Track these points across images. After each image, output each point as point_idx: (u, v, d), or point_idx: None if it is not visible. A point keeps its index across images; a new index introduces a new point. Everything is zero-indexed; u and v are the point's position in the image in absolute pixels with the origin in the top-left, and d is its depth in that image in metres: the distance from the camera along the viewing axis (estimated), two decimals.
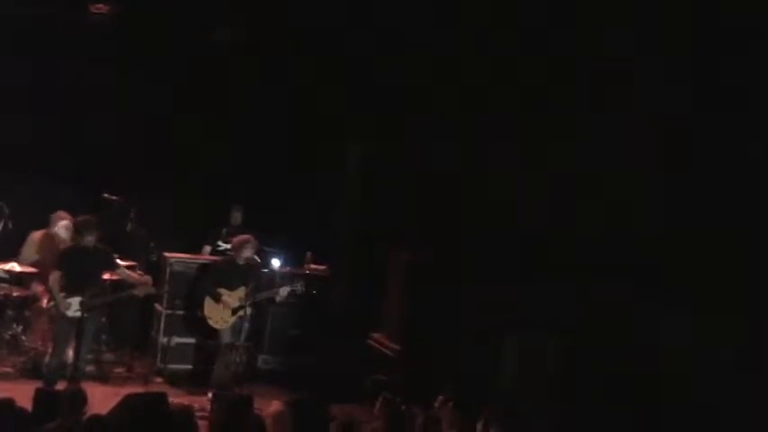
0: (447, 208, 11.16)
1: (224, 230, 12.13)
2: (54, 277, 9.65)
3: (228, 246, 11.93)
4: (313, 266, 12.16)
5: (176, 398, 9.37)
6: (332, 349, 11.83)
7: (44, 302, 10.54)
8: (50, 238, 11.10)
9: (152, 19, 12.08)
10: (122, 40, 12.19)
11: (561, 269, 9.43)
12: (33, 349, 10.59)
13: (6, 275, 10.78)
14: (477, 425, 7.28)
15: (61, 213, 11.16)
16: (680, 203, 8.66)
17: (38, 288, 10.80)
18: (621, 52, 9.30)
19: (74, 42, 12.02)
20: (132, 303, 11.02)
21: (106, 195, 11.44)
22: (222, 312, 10.70)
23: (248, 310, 10.57)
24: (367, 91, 12.43)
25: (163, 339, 11.29)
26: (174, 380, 11.07)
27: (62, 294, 9.58)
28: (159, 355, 11.31)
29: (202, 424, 7.27)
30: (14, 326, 10.74)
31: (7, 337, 10.70)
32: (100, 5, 11.73)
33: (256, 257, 11.05)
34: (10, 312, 10.70)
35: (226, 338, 10.69)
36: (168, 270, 11.40)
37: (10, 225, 11.02)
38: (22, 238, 11.22)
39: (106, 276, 10.26)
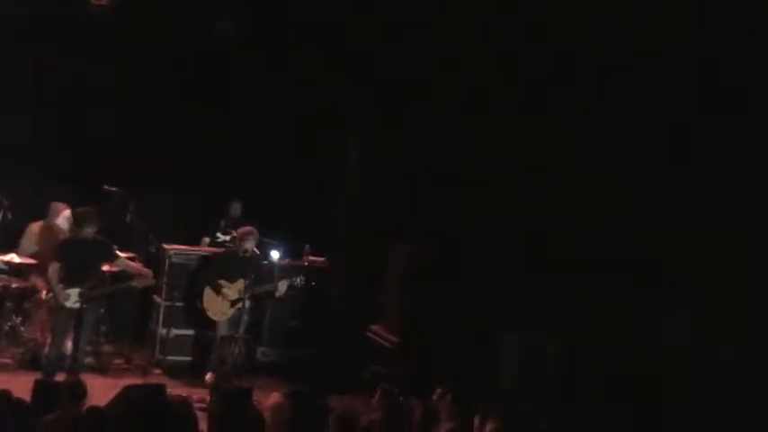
0: (447, 202, 11.16)
1: (223, 222, 12.14)
2: (53, 268, 9.66)
3: (227, 238, 11.96)
4: (312, 258, 12.16)
5: (175, 389, 9.44)
6: (331, 341, 11.84)
7: (43, 294, 10.55)
8: (50, 230, 11.11)
9: (152, 12, 12.08)
10: (122, 33, 12.20)
11: (561, 265, 9.43)
12: (32, 340, 10.60)
13: (5, 267, 10.79)
14: (474, 419, 7.28)
15: (59, 204, 11.17)
16: (680, 201, 8.66)
17: (37, 280, 10.81)
18: (623, 49, 9.31)
19: (74, 35, 12.02)
20: (131, 295, 11.04)
21: (106, 187, 11.44)
22: (221, 304, 10.72)
23: (247, 303, 10.58)
24: (368, 84, 12.42)
25: (162, 331, 11.29)
26: (173, 371, 11.07)
27: (61, 286, 9.59)
28: (158, 347, 11.30)
29: (201, 416, 7.27)
30: (13, 317, 10.75)
31: (6, 328, 10.71)
32: None
33: (256, 249, 11.06)
34: (9, 304, 10.70)
35: (222, 331, 10.73)
36: (167, 262, 11.40)
37: (9, 216, 11.03)
38: (21, 230, 11.23)
39: (105, 268, 10.26)
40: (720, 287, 8.04)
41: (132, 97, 12.49)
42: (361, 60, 12.35)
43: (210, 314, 10.76)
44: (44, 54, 11.98)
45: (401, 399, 7.68)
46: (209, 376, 10.62)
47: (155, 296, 11.51)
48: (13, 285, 10.72)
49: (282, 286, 10.74)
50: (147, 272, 10.16)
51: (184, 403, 7.52)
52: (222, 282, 10.71)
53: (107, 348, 11.12)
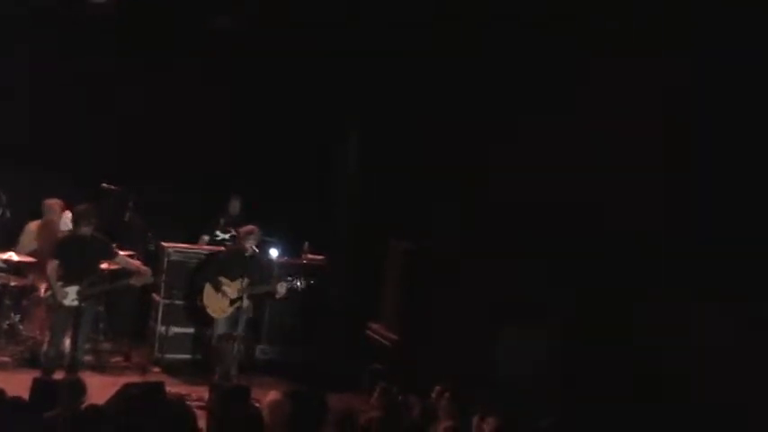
0: (447, 200, 11.16)
1: (222, 220, 12.14)
2: (52, 266, 9.66)
3: (226, 236, 11.96)
4: (311, 256, 12.17)
5: (174, 387, 9.47)
6: (330, 339, 11.85)
7: (42, 292, 10.55)
8: (48, 228, 11.09)
9: (152, 8, 12.08)
10: (122, 29, 12.19)
11: (561, 262, 9.45)
12: (31, 339, 10.61)
13: (4, 265, 10.79)
14: (473, 418, 7.29)
15: (54, 201, 11.15)
16: (680, 200, 8.67)
17: (35, 278, 10.80)
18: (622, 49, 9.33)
19: (73, 32, 12.01)
20: (130, 293, 11.04)
21: (104, 185, 11.45)
22: (221, 302, 10.71)
23: (245, 302, 10.58)
24: (368, 81, 12.41)
25: (161, 329, 11.31)
26: (172, 369, 11.08)
27: (59, 283, 9.59)
28: (157, 345, 11.32)
29: (200, 414, 7.28)
30: (12, 315, 10.75)
31: (5, 326, 10.71)
32: None
33: (256, 249, 11.06)
34: (7, 302, 10.71)
35: (220, 329, 10.71)
36: (166, 260, 11.42)
37: (8, 214, 11.03)
38: (19, 228, 11.23)
39: (104, 266, 10.26)
40: (721, 284, 8.04)
41: (130, 93, 12.47)
42: (360, 59, 12.35)
43: (210, 311, 10.75)
44: (42, 48, 11.97)
45: (400, 397, 7.69)
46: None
47: (153, 294, 11.52)
48: (12, 283, 10.72)
49: (282, 288, 10.70)
50: (146, 270, 10.15)
51: (183, 401, 7.55)
52: (223, 279, 10.71)
53: (106, 346, 11.14)
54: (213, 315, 10.75)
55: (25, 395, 6.88)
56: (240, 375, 10.31)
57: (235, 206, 12.16)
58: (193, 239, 12.01)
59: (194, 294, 11.07)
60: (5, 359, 10.51)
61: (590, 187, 9.50)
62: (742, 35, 8.21)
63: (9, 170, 11.40)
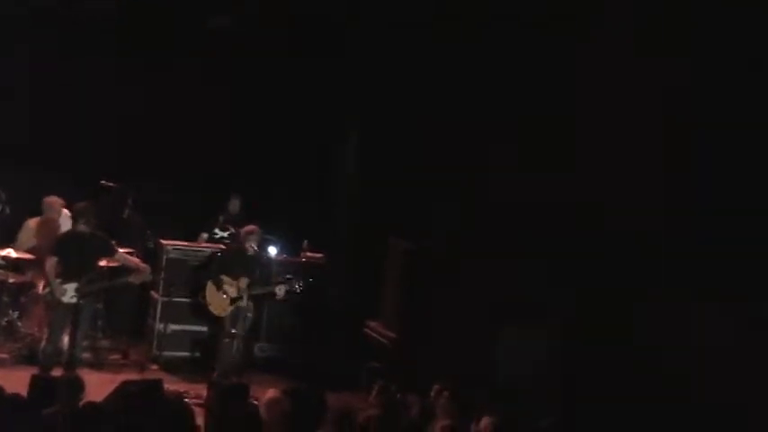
0: (446, 199, 11.16)
1: (221, 218, 12.13)
2: (50, 263, 9.64)
3: (225, 234, 11.95)
4: (309, 255, 12.16)
5: (172, 385, 9.44)
6: (328, 337, 11.85)
7: (40, 289, 10.54)
8: (47, 225, 11.08)
9: (152, 8, 12.08)
10: (121, 29, 12.19)
11: (561, 262, 9.45)
12: (29, 335, 10.59)
13: (3, 262, 10.76)
14: (471, 416, 7.27)
15: (53, 198, 11.13)
16: (681, 199, 8.67)
17: (34, 275, 10.79)
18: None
19: (73, 32, 12.01)
20: (129, 290, 11.02)
21: (103, 182, 11.44)
22: (222, 300, 10.74)
23: (245, 301, 10.59)
24: (368, 81, 12.40)
25: (159, 326, 11.29)
26: (170, 367, 11.06)
27: (58, 280, 9.57)
28: (155, 343, 11.31)
29: (198, 411, 7.27)
30: (11, 312, 10.74)
31: (3, 323, 10.70)
32: None
33: (256, 248, 11.06)
34: (6, 299, 10.70)
35: (222, 327, 10.72)
36: (165, 257, 11.41)
37: (7, 211, 11.02)
38: (18, 225, 11.21)
39: (103, 263, 10.24)
40: (721, 283, 8.04)
41: (131, 95, 12.46)
42: (360, 59, 12.34)
43: (211, 309, 10.78)
44: (42, 46, 11.97)
45: (398, 395, 7.68)
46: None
47: (152, 292, 11.51)
48: (11, 280, 10.71)
49: (281, 291, 10.73)
50: (145, 267, 10.13)
51: (181, 399, 7.53)
52: (224, 277, 10.74)
53: (104, 344, 11.14)
54: (214, 312, 10.76)
55: (24, 392, 6.86)
56: (241, 375, 10.28)
57: (234, 205, 12.16)
58: (192, 237, 12.00)
59: (197, 292, 11.10)
60: (4, 356, 10.49)
61: (590, 187, 9.49)
62: (742, 35, 8.21)
63: (9, 170, 11.39)
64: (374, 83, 12.27)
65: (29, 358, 10.29)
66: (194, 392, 9.55)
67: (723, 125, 8.33)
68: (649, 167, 9.02)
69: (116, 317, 11.46)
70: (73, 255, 9.66)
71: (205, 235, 12.09)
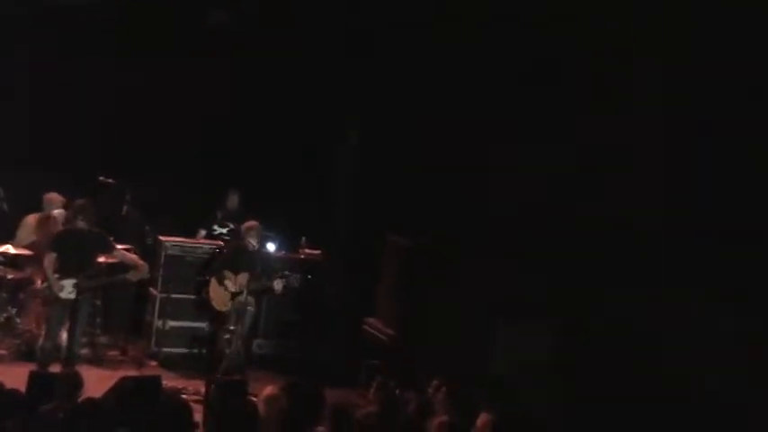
0: (445, 196, 11.15)
1: (219, 214, 12.13)
2: (49, 259, 9.62)
3: (224, 230, 11.95)
4: (308, 251, 12.17)
5: (170, 381, 9.48)
6: (326, 334, 11.85)
7: (38, 284, 10.52)
8: (46, 222, 11.07)
9: (151, 8, 12.08)
10: (122, 29, 12.18)
11: (561, 262, 9.44)
12: (28, 332, 10.58)
13: (1, 258, 10.76)
14: (469, 412, 7.26)
15: (54, 195, 11.13)
16: (681, 199, 8.67)
17: (33, 271, 10.77)
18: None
19: (73, 32, 12.00)
20: (127, 287, 11.01)
21: (102, 179, 11.43)
22: (224, 295, 10.79)
23: (244, 297, 10.60)
24: (368, 81, 12.40)
25: (157, 323, 11.29)
26: (169, 363, 11.07)
27: (56, 276, 9.56)
28: (154, 339, 11.32)
29: (196, 407, 7.26)
30: (9, 308, 10.72)
31: (2, 319, 10.68)
32: None
33: (256, 243, 11.07)
34: (4, 295, 10.68)
35: (230, 324, 10.75)
36: (163, 254, 11.41)
37: (5, 208, 11.01)
38: (17, 223, 11.20)
39: (102, 259, 10.23)
40: (722, 282, 8.05)
41: (128, 86, 12.45)
42: (360, 59, 12.35)
43: (214, 304, 10.83)
44: (40, 43, 11.96)
45: (397, 392, 7.68)
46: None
47: (150, 288, 11.50)
48: (9, 276, 10.70)
49: (278, 285, 10.77)
50: (143, 265, 10.12)
51: (179, 395, 7.53)
52: (227, 273, 10.79)
53: (103, 340, 11.12)
54: (216, 307, 10.81)
55: (22, 388, 6.87)
56: (242, 372, 10.30)
57: (233, 200, 12.15)
58: (191, 234, 11.99)
59: (197, 289, 11.18)
60: (2, 352, 10.48)
61: (590, 187, 9.49)
62: (742, 36, 8.21)
63: (9, 170, 11.38)
64: (374, 83, 12.26)
65: (27, 354, 10.27)
66: (193, 389, 9.58)
67: (723, 125, 8.33)
68: (649, 167, 9.01)
69: (115, 313, 11.44)
70: (71, 251, 9.64)
71: (203, 231, 12.08)
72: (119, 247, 10.30)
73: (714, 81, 8.41)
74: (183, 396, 8.84)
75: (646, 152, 9.08)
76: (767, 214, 7.98)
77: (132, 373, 9.79)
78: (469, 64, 10.93)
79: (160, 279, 11.33)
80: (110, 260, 10.31)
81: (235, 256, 10.92)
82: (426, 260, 10.78)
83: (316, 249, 12.25)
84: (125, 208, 11.36)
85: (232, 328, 10.58)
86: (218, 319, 10.88)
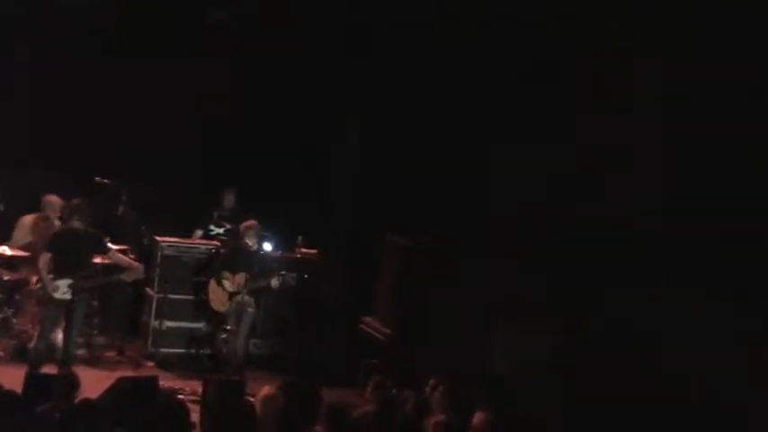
0: (444, 196, 11.13)
1: (216, 214, 12.10)
2: (44, 259, 9.57)
3: (221, 230, 11.92)
4: (304, 251, 12.15)
5: (167, 382, 9.46)
6: (323, 333, 11.83)
7: (33, 283, 10.48)
8: (45, 222, 11.03)
9: (151, 7, 12.06)
10: (121, 29, 12.16)
11: (559, 259, 9.42)
12: (24, 332, 10.55)
13: None
14: (467, 412, 7.23)
15: (53, 197, 11.11)
16: (680, 199, 8.65)
17: (29, 272, 10.74)
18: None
19: (73, 32, 11.98)
20: (123, 287, 10.98)
21: (98, 179, 11.41)
22: (221, 295, 10.81)
23: (245, 297, 10.57)
24: (368, 81, 12.38)
25: (154, 323, 11.27)
26: (166, 364, 11.05)
27: (51, 276, 9.51)
28: (150, 339, 11.29)
29: (193, 408, 7.24)
30: (5, 309, 10.69)
31: None
32: None
33: (253, 242, 11.05)
34: (0, 296, 10.65)
35: (230, 324, 10.74)
36: (160, 254, 11.38)
37: (2, 208, 10.98)
38: (13, 223, 11.17)
39: (97, 260, 10.19)
40: (722, 281, 8.02)
41: (129, 90, 12.43)
42: (360, 59, 12.33)
43: (212, 304, 10.85)
44: (38, 43, 11.93)
45: (394, 391, 7.65)
46: None
47: (147, 288, 11.47)
48: (5, 277, 10.68)
49: (275, 283, 10.80)
50: (138, 266, 10.08)
51: (176, 395, 7.50)
52: (225, 273, 10.81)
53: (99, 340, 11.10)
54: (215, 308, 10.82)
55: (18, 389, 6.84)
56: (241, 372, 10.29)
57: (229, 199, 12.12)
58: (187, 234, 11.96)
59: (195, 289, 11.18)
60: None
61: (590, 187, 9.47)
62: (742, 36, 8.19)
63: (9, 170, 11.35)
64: (374, 83, 12.24)
65: (23, 355, 10.22)
66: (190, 389, 9.54)
67: (723, 125, 8.31)
68: (649, 167, 8.99)
69: (111, 314, 11.42)
70: (66, 251, 9.60)
71: (200, 231, 12.05)
72: (115, 247, 10.26)
73: (714, 81, 8.40)
74: (180, 396, 8.84)
75: (646, 152, 9.08)
76: (767, 214, 7.95)
77: (129, 373, 9.79)
78: (469, 64, 10.92)
79: (157, 279, 11.30)
80: (105, 261, 10.27)
81: (233, 256, 10.95)
82: (426, 260, 10.76)
83: (312, 249, 12.22)
84: (121, 208, 11.32)
85: (229, 328, 10.57)
86: (215, 319, 10.90)
